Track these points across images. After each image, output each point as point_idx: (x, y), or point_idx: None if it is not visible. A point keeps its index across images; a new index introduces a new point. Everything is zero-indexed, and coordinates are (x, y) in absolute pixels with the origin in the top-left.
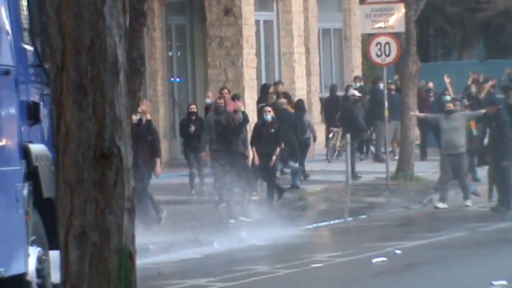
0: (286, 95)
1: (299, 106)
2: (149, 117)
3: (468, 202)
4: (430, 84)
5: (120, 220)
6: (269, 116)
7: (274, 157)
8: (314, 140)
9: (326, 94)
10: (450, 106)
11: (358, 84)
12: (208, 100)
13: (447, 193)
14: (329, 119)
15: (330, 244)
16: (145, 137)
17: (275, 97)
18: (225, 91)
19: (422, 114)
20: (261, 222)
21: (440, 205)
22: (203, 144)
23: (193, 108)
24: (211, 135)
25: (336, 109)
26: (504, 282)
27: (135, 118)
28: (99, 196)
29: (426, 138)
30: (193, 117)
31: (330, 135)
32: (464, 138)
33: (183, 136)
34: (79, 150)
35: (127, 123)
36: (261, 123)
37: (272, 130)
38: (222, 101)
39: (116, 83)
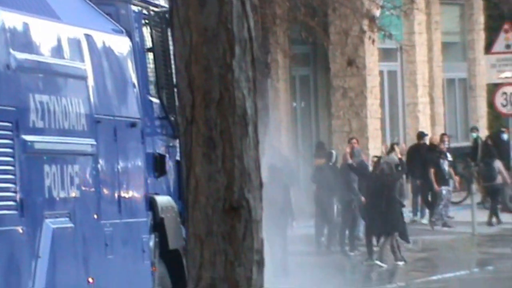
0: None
1: (490, 153)
2: None
3: None
4: None
5: (249, 272)
6: None
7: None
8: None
9: (456, 145)
10: None
11: (474, 135)
12: None
13: None
14: None
15: None
16: None
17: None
18: (354, 140)
19: None
20: (391, 270)
21: None
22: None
23: None
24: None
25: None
26: None
27: None
28: (228, 248)
29: None
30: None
31: None
32: None
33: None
34: (208, 203)
35: (256, 175)
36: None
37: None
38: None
39: (245, 136)
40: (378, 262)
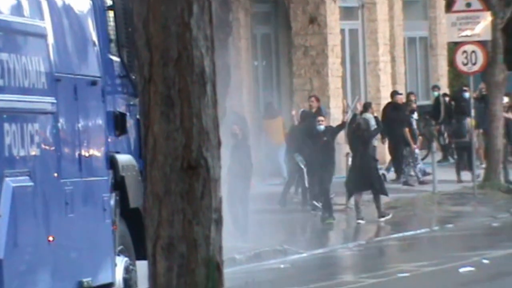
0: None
1: (462, 111)
2: None
3: None
4: None
5: (207, 231)
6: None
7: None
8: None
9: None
10: None
11: (436, 93)
12: None
13: None
14: None
15: (416, 254)
16: None
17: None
18: (313, 99)
19: None
20: (351, 229)
21: None
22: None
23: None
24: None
25: None
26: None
27: None
28: (186, 207)
29: None
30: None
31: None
32: None
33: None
34: (166, 162)
35: (215, 134)
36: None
37: (325, 138)
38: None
39: (203, 94)
40: (381, 219)
